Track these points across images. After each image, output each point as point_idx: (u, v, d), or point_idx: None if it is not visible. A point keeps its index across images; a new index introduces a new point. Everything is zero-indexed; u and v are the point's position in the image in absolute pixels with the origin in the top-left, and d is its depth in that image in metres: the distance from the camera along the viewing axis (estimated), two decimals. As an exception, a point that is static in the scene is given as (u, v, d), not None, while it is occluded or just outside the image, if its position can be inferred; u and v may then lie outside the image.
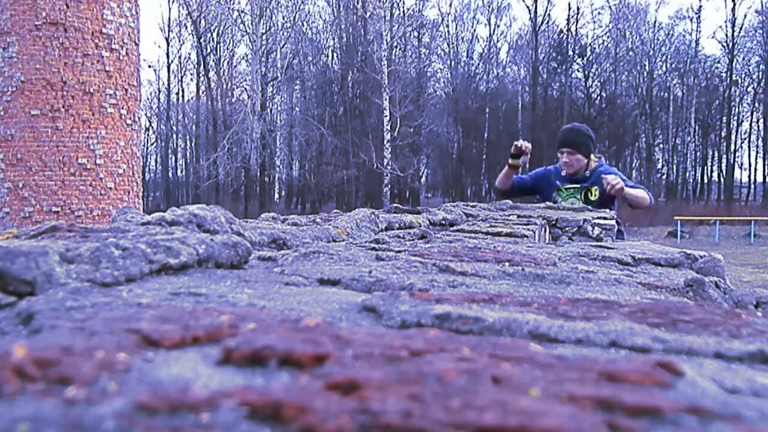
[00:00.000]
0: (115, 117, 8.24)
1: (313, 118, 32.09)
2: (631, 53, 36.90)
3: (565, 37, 37.10)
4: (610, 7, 37.87)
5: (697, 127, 37.33)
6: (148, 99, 40.57)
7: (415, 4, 33.99)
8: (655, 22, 38.82)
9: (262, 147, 30.78)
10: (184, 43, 41.23)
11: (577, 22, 37.63)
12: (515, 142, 4.14)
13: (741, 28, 36.13)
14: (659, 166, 39.53)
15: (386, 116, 28.58)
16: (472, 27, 40.29)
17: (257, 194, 32.56)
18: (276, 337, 0.44)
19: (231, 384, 0.37)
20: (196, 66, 37.14)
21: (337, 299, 0.69)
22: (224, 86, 35.32)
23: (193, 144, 39.85)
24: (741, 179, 41.01)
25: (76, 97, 7.94)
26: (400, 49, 33.65)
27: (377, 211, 1.84)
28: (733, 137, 37.74)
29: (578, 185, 4.06)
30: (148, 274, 0.75)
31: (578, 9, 39.28)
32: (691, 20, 37.70)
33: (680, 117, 36.84)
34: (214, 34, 36.06)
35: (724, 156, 38.04)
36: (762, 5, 35.25)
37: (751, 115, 39.08)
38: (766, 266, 13.13)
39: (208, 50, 35.95)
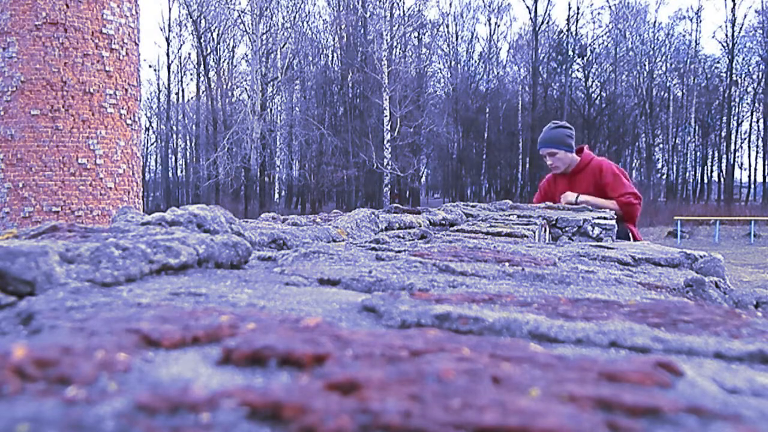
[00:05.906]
0: (115, 117, 8.24)
1: (313, 118, 32.07)
2: (631, 53, 36.89)
3: (565, 37, 37.09)
4: (610, 7, 37.86)
5: (697, 127, 37.31)
6: (148, 99, 40.59)
7: (415, 4, 33.96)
8: (655, 22, 38.81)
9: (262, 147, 30.77)
10: (184, 43, 41.28)
11: (577, 22, 37.62)
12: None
13: (741, 28, 36.12)
14: (659, 166, 39.51)
15: (386, 116, 28.57)
16: (472, 27, 40.40)
17: (257, 194, 32.54)
18: (276, 337, 0.44)
19: (231, 384, 0.37)
20: (196, 66, 37.13)
21: (337, 299, 0.69)
22: (224, 86, 35.30)
23: (193, 144, 39.83)
24: (741, 179, 41.01)
25: (76, 97, 7.93)
26: (400, 49, 33.64)
27: (377, 211, 1.84)
28: (733, 137, 37.73)
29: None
30: (148, 274, 0.75)
31: (578, 9, 39.28)
32: (690, 20, 37.71)
33: (680, 117, 36.83)
34: (214, 34, 36.04)
35: (724, 156, 38.03)
36: (762, 5, 35.26)
37: (751, 115, 39.06)
38: (766, 266, 13.13)
39: (208, 50, 35.94)
